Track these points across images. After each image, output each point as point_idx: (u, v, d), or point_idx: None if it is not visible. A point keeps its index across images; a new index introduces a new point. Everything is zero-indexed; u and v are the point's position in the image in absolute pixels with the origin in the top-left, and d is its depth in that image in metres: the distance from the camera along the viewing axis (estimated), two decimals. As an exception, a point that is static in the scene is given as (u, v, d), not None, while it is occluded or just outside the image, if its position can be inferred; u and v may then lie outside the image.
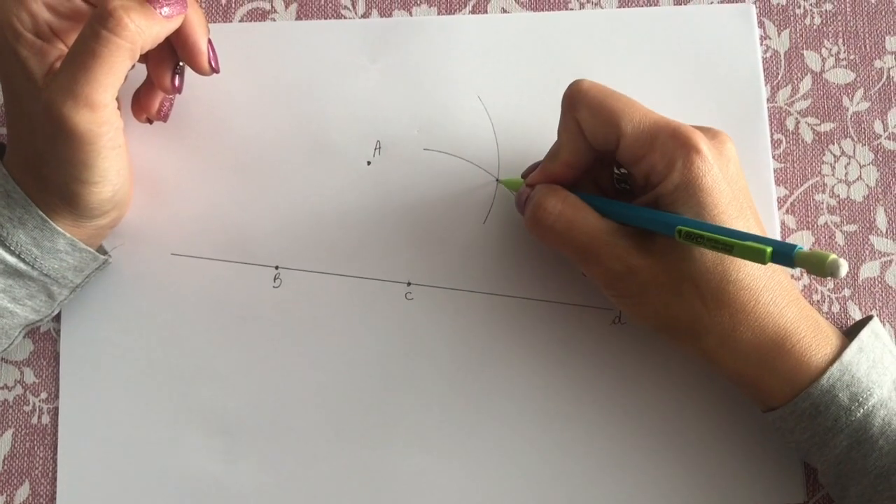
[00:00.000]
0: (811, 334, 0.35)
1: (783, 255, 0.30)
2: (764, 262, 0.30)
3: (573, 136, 0.37)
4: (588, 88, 0.36)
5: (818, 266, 0.28)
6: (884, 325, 0.42)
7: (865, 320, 0.38)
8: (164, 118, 0.42)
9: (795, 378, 0.35)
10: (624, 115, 0.35)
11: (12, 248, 0.36)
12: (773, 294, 0.35)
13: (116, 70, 0.34)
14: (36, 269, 0.37)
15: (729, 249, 0.31)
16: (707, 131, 0.36)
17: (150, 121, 0.41)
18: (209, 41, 0.39)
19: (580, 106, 0.36)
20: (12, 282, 0.37)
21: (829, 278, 0.27)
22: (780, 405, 0.36)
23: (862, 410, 0.35)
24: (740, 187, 0.36)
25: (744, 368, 0.36)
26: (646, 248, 0.35)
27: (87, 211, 0.37)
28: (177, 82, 0.40)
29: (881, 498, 0.35)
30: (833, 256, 0.28)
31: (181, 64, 0.39)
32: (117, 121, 0.36)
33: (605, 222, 0.36)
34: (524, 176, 0.40)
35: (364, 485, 0.41)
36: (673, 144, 0.34)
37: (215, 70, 0.39)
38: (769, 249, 0.30)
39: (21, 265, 0.37)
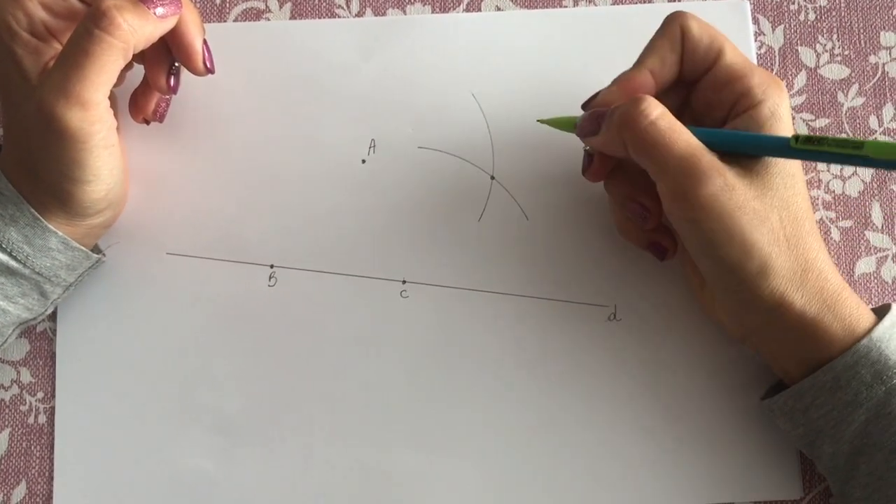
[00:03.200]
0: (853, 294, 0.36)
1: None
2: None
3: (671, 42, 0.37)
4: (701, 22, 0.37)
5: None
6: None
7: (885, 307, 0.37)
8: (161, 118, 0.42)
9: (854, 325, 0.35)
10: (721, 38, 0.36)
11: (3, 246, 0.36)
12: (825, 251, 0.36)
13: (109, 69, 0.35)
14: (28, 267, 0.37)
15: (858, 147, 0.31)
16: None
17: (147, 121, 0.42)
18: (204, 41, 0.39)
19: (692, 18, 0.36)
20: (4, 280, 0.37)
21: None
22: (835, 355, 0.35)
23: (885, 388, 0.34)
24: None
25: (810, 312, 0.35)
26: (744, 168, 0.35)
27: (81, 210, 0.37)
28: (172, 82, 0.40)
29: (893, 474, 0.35)
30: None
31: (176, 64, 0.40)
32: (110, 120, 0.36)
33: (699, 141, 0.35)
34: (586, 105, 0.39)
35: (360, 483, 0.41)
36: (768, 76, 0.36)
37: (210, 70, 0.39)
38: None
39: (13, 263, 0.37)
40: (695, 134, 0.35)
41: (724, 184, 0.34)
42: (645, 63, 0.37)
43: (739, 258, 0.35)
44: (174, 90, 0.40)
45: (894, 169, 0.30)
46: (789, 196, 0.35)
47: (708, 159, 0.34)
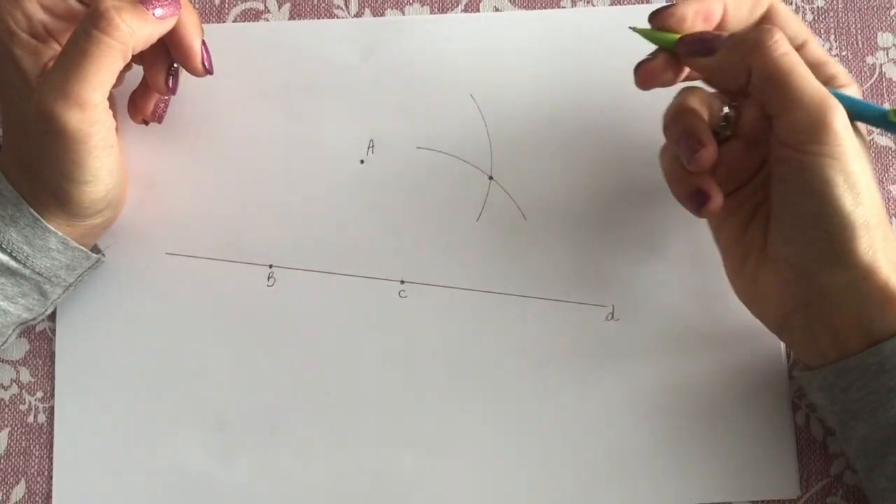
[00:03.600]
0: None
1: None
2: None
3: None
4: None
5: None
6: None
7: None
8: (160, 120, 0.42)
9: (892, 307, 0.34)
10: (811, 33, 0.37)
11: (3, 246, 0.36)
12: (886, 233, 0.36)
13: (107, 70, 0.35)
14: (28, 267, 0.37)
15: None
16: None
17: (146, 122, 0.42)
18: (203, 42, 0.39)
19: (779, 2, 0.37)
20: (4, 280, 0.37)
21: None
22: (875, 335, 0.34)
23: None
24: None
25: (893, 279, 0.34)
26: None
27: (80, 210, 0.37)
28: (171, 83, 0.40)
29: None
30: None
31: (175, 65, 0.40)
32: (109, 120, 0.36)
33: None
34: (653, 16, 0.37)
35: (358, 482, 0.41)
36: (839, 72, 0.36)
37: (209, 71, 0.39)
38: None
39: (13, 263, 0.37)
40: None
41: (846, 128, 0.34)
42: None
43: (853, 203, 0.33)
44: (173, 91, 0.40)
45: None
46: (870, 167, 0.35)
47: (835, 101, 0.34)
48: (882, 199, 0.35)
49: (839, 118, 0.33)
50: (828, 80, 0.36)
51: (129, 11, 0.35)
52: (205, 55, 0.39)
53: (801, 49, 0.36)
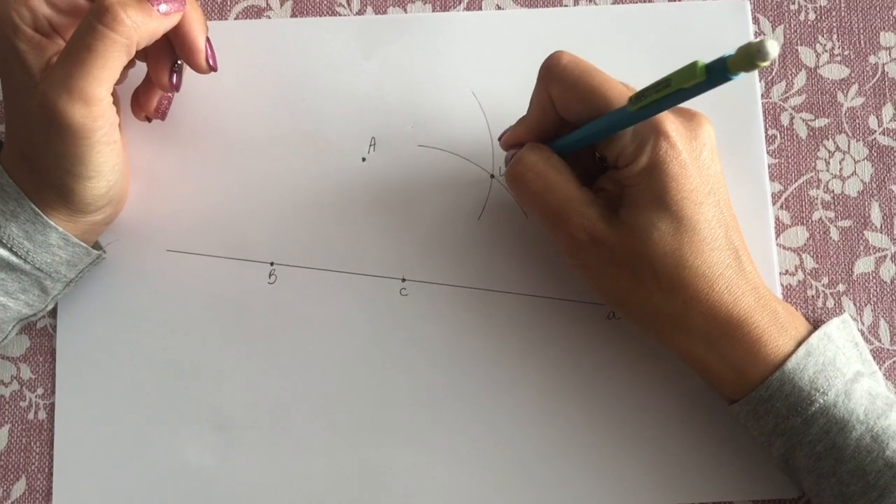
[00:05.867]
0: (766, 324, 0.35)
1: (718, 68, 0.28)
2: (697, 77, 0.29)
3: (542, 106, 0.37)
4: (566, 64, 0.36)
5: (749, 58, 0.27)
6: (878, 320, 0.42)
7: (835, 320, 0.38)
8: (163, 116, 0.42)
9: (745, 368, 0.35)
10: (599, 96, 0.35)
11: (4, 241, 0.36)
12: (730, 282, 0.35)
13: (111, 65, 0.35)
14: (28, 262, 0.37)
15: (667, 84, 0.30)
16: (685, 113, 0.36)
17: (148, 119, 0.42)
18: (207, 39, 0.39)
19: (554, 81, 0.36)
20: (4, 275, 0.37)
21: (768, 63, 0.26)
22: (732, 395, 0.37)
23: (801, 419, 0.35)
24: (712, 173, 0.36)
25: (695, 353, 0.36)
26: (613, 224, 0.35)
27: (82, 206, 0.37)
28: (175, 80, 0.40)
29: (826, 495, 0.36)
30: (758, 40, 0.26)
31: (179, 62, 0.40)
32: (112, 116, 0.36)
33: (582, 192, 0.36)
34: (499, 139, 0.40)
35: (359, 480, 0.41)
36: (644, 127, 0.35)
37: (213, 68, 0.39)
38: (700, 63, 0.29)
39: (13, 258, 0.37)
40: (559, 145, 0.37)
41: (589, 238, 0.36)
42: (525, 122, 0.39)
43: (621, 307, 0.37)
44: (177, 88, 0.40)
45: (704, 91, 0.29)
46: (671, 244, 0.35)
47: (577, 217, 0.36)
48: (687, 269, 0.35)
49: (572, 247, 0.36)
50: (619, 154, 0.36)
51: (133, 7, 0.35)
52: (209, 52, 0.39)
53: (593, 118, 0.36)
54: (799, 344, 0.36)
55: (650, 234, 0.35)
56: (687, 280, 0.35)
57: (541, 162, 0.36)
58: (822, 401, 0.35)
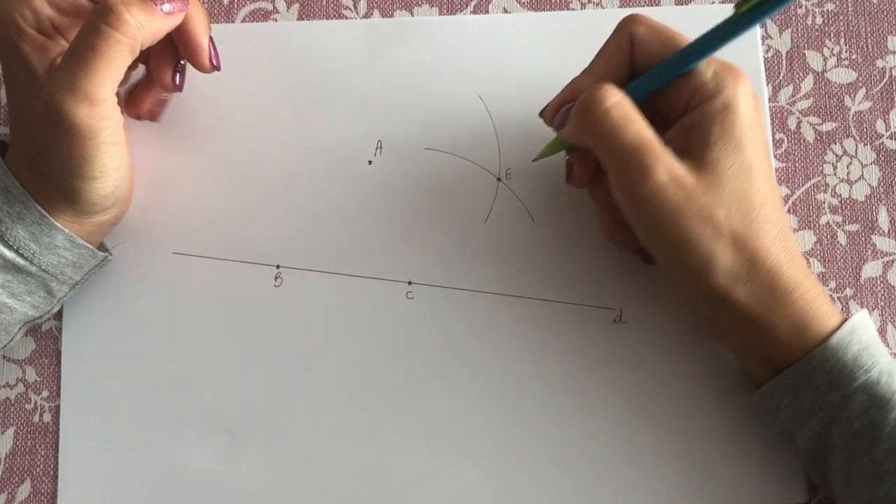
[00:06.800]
0: (818, 290, 0.36)
1: None
2: None
3: (620, 50, 0.37)
4: (647, 17, 0.37)
5: None
6: (886, 325, 0.42)
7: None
8: (155, 118, 0.42)
9: (804, 325, 0.35)
10: (682, 41, 0.36)
11: (10, 243, 0.36)
12: (788, 242, 0.36)
13: (116, 65, 0.35)
14: (34, 264, 0.37)
15: None
16: None
17: (139, 117, 0.41)
18: (210, 38, 0.39)
19: (640, 23, 0.36)
20: (11, 277, 0.37)
21: None
22: (780, 363, 0.36)
23: (840, 394, 0.35)
24: (760, 125, 0.36)
25: (754, 310, 0.35)
26: (688, 166, 0.35)
27: (87, 206, 0.37)
28: (178, 80, 0.40)
29: (856, 476, 0.35)
30: None
31: (182, 62, 0.40)
32: (117, 116, 0.36)
33: (655, 134, 0.35)
34: (541, 113, 0.39)
35: (364, 484, 0.41)
36: (724, 67, 0.35)
37: (216, 67, 0.39)
38: None
39: (19, 260, 0.37)
40: (633, 89, 0.36)
41: (669, 178, 0.34)
42: (592, 69, 0.38)
43: (680, 255, 0.35)
44: (179, 88, 0.40)
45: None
46: (743, 189, 0.35)
47: (657, 152, 0.34)
48: (758, 221, 0.35)
49: (648, 182, 0.34)
50: (693, 94, 0.36)
51: (137, 7, 0.35)
52: (212, 52, 0.39)
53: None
54: (840, 321, 0.36)
55: (726, 174, 0.34)
56: (755, 231, 0.35)
57: (619, 94, 0.35)
58: (864, 378, 0.34)
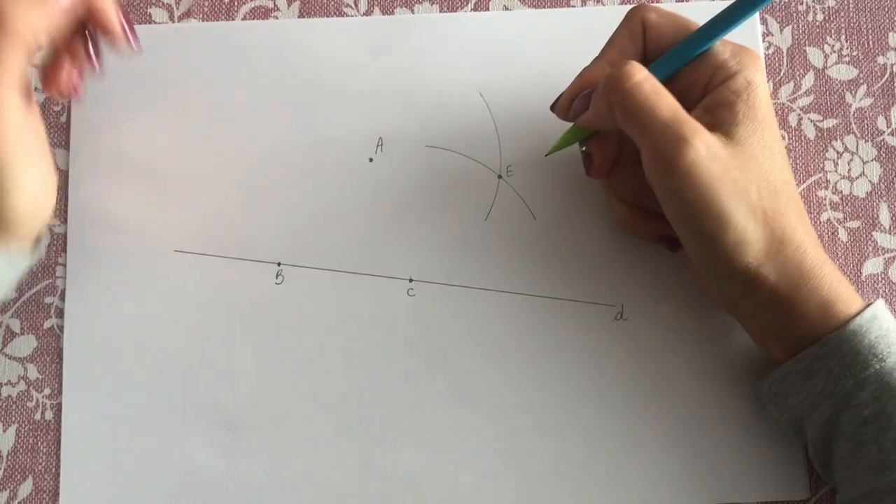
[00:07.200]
0: (838, 272, 0.36)
1: None
2: None
3: (631, 37, 0.37)
4: (656, 6, 0.37)
5: None
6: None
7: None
8: (77, 95, 0.38)
9: (830, 304, 0.35)
10: (693, 25, 0.36)
11: None
12: (807, 224, 0.36)
13: (13, 67, 0.33)
14: None
15: None
16: None
17: (62, 95, 0.38)
18: (124, 16, 0.36)
19: (650, 10, 0.37)
20: None
21: None
22: (811, 334, 0.35)
23: (853, 380, 0.35)
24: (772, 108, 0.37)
25: (783, 287, 0.35)
26: (725, 138, 0.35)
27: (6, 222, 0.34)
28: (93, 52, 0.37)
29: (860, 465, 0.35)
30: None
31: (92, 31, 0.37)
32: (29, 123, 0.34)
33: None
34: (553, 106, 0.39)
35: (366, 480, 0.41)
36: (739, 48, 0.36)
37: (131, 44, 0.37)
38: None
39: None
40: (652, 71, 0.35)
41: (707, 151, 0.34)
42: (605, 56, 0.38)
43: (716, 230, 0.34)
44: (98, 59, 0.37)
45: None
46: (769, 167, 0.35)
47: (692, 125, 0.34)
48: (784, 199, 0.35)
49: (688, 154, 0.33)
50: (714, 73, 0.36)
51: (28, 6, 0.33)
52: (126, 29, 0.36)
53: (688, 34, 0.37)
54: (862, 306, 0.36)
55: (754, 150, 0.35)
56: (782, 208, 0.35)
57: (646, 70, 0.35)
58: (878, 366, 0.34)
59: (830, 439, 0.36)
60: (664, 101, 0.34)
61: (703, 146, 0.34)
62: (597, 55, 0.38)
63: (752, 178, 0.34)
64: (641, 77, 0.34)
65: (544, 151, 0.42)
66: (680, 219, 0.35)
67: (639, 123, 0.34)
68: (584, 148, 0.39)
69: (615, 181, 0.39)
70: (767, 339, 0.37)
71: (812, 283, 0.35)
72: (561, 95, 0.39)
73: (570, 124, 0.39)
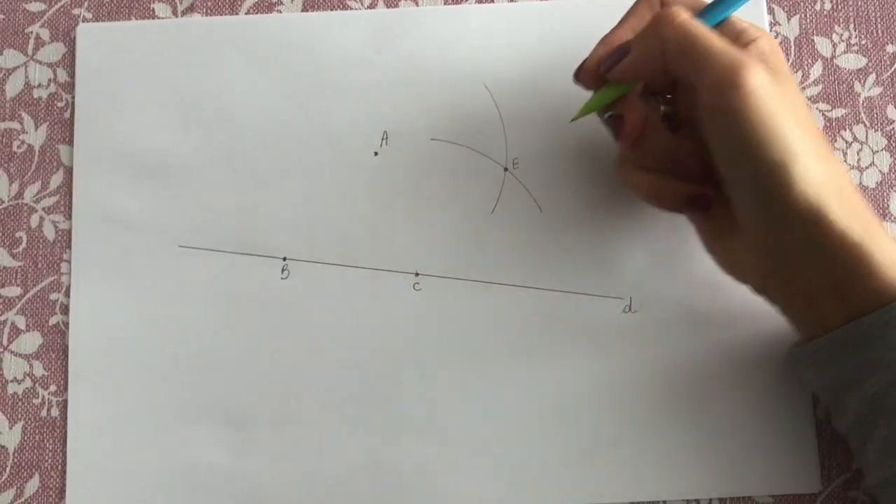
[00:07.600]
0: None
1: None
2: None
3: (649, 5, 0.37)
4: None
5: None
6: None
7: None
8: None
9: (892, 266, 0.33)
10: None
11: None
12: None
13: None
14: None
15: None
16: None
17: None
18: None
19: None
20: None
21: None
22: (880, 291, 0.33)
23: None
24: None
25: (854, 231, 0.32)
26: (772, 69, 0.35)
27: None
28: None
29: None
30: None
31: None
32: None
33: None
34: (577, 73, 0.38)
35: (372, 475, 0.40)
36: (750, 24, 0.36)
37: None
38: None
39: None
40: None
41: (770, 76, 0.33)
42: (626, 22, 0.37)
43: (783, 158, 0.32)
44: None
45: None
46: (806, 117, 0.34)
47: (752, 61, 0.33)
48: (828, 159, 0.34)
49: (755, 75, 0.33)
50: (737, 37, 0.36)
51: None
52: None
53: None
54: None
55: (796, 95, 0.35)
56: (831, 153, 0.35)
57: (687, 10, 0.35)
58: None
59: (873, 417, 0.34)
60: (716, 34, 0.34)
61: (766, 71, 0.33)
62: (615, 25, 0.38)
63: (799, 121, 0.33)
64: (690, 14, 0.35)
65: (551, 144, 0.42)
66: (741, 152, 0.33)
67: (698, 51, 0.33)
68: (609, 115, 0.38)
69: (640, 148, 0.37)
70: (821, 300, 0.34)
71: (879, 234, 0.33)
72: (585, 62, 0.38)
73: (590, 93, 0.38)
